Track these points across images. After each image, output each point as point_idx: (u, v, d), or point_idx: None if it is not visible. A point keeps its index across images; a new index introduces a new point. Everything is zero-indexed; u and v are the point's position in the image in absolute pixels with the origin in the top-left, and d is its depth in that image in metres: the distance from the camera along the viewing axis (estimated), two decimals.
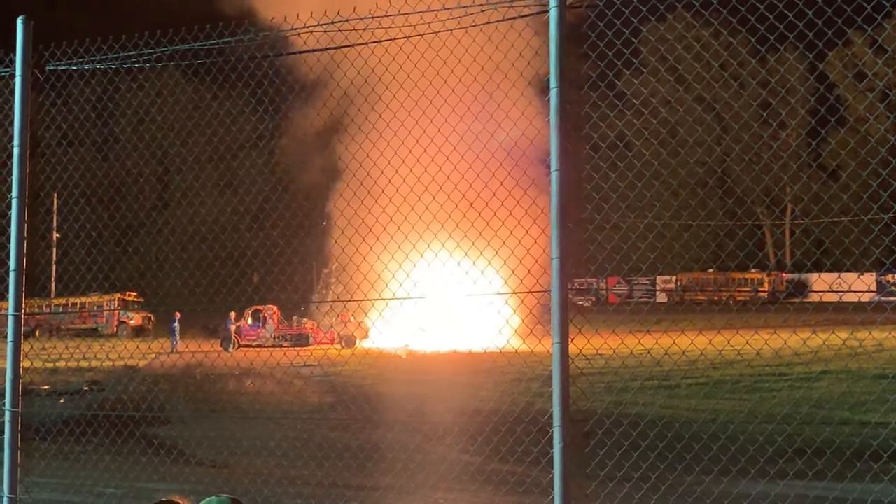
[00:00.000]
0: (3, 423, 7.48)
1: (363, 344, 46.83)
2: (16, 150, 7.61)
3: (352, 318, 48.05)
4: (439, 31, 7.16)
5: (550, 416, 5.78)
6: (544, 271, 6.19)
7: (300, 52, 8.09)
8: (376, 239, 8.90)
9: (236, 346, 48.00)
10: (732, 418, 19.35)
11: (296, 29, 7.67)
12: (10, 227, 7.64)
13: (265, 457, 16.82)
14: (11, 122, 7.71)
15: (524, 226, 7.59)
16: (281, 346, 46.84)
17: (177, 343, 44.63)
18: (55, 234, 49.84)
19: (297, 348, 42.28)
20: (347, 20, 7.49)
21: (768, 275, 66.52)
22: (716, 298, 65.12)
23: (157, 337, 49.39)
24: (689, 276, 67.12)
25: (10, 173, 7.69)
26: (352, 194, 9.68)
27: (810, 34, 6.90)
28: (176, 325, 46.20)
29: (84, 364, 24.61)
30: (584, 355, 6.76)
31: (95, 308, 58.41)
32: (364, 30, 7.72)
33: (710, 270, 66.13)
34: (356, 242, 9.64)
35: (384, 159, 8.94)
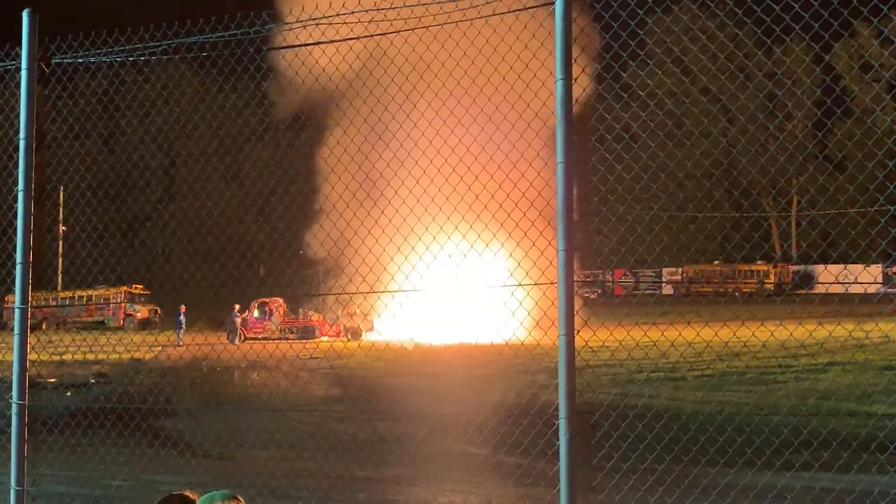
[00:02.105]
0: (11, 415, 7.49)
1: (369, 336, 46.83)
2: (22, 143, 7.61)
3: (357, 311, 48.06)
4: (444, 24, 7.15)
5: (556, 408, 5.78)
6: (550, 263, 6.19)
7: (305, 45, 8.08)
8: (382, 231, 8.90)
9: (242, 338, 48.05)
10: (738, 410, 19.36)
11: (301, 22, 7.67)
12: (16, 220, 7.64)
13: (272, 449, 16.85)
14: (17, 116, 7.71)
15: (530, 218, 7.59)
16: (287, 339, 46.87)
17: (180, 336, 44.73)
18: (61, 227, 49.83)
19: (303, 341, 42.33)
20: (353, 13, 7.48)
21: (774, 266, 66.43)
22: (721, 290, 65.08)
23: (164, 329, 49.51)
24: (695, 268, 67.05)
25: (16, 166, 7.69)
26: (357, 186, 9.68)
27: (816, 25, 6.88)
28: (181, 317, 46.25)
29: (91, 357, 24.66)
30: (590, 347, 6.76)
31: (102, 301, 58.51)
32: (370, 22, 7.71)
33: (716, 262, 66.08)
34: (362, 234, 9.64)
35: (389, 152, 8.94)
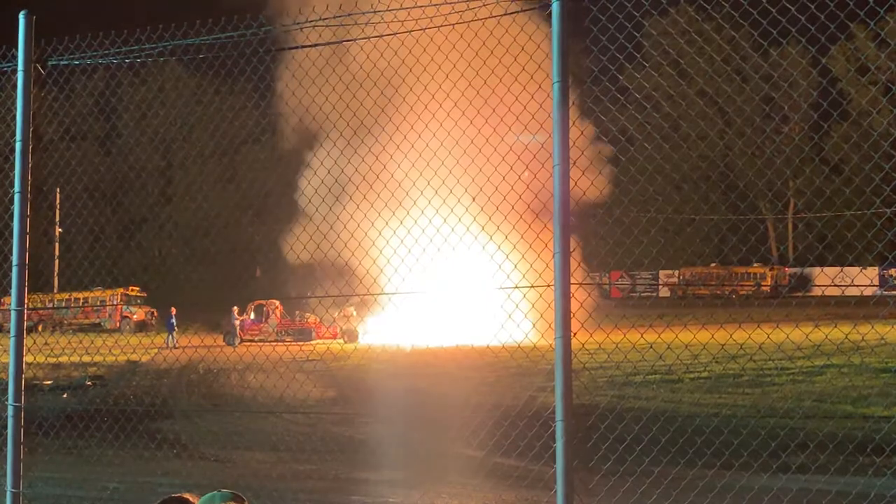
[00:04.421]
0: (6, 418, 7.48)
1: (365, 339, 46.72)
2: (18, 145, 7.60)
3: (353, 313, 48.01)
4: (441, 26, 7.15)
5: (553, 411, 5.78)
6: (546, 265, 6.18)
7: (303, 47, 8.09)
8: (379, 233, 8.90)
9: (240, 340, 47.97)
10: (735, 412, 19.36)
11: (298, 24, 7.67)
12: (12, 222, 7.64)
13: (268, 451, 16.87)
14: (14, 117, 7.71)
15: (526, 220, 7.60)
16: (283, 341, 46.76)
17: (174, 338, 44.75)
18: (58, 230, 49.83)
19: (299, 343, 42.23)
20: (350, 14, 7.48)
21: (771, 269, 66.43)
22: (718, 293, 65.07)
23: (160, 332, 49.50)
24: (692, 271, 67.03)
25: (12, 168, 7.68)
26: (354, 188, 9.68)
27: (813, 28, 6.89)
28: (173, 320, 46.25)
29: (87, 359, 24.63)
30: (587, 350, 6.76)
31: (98, 303, 58.44)
32: (366, 24, 7.71)
33: (713, 265, 66.06)
34: (359, 237, 9.64)
35: (386, 153, 8.94)
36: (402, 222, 8.64)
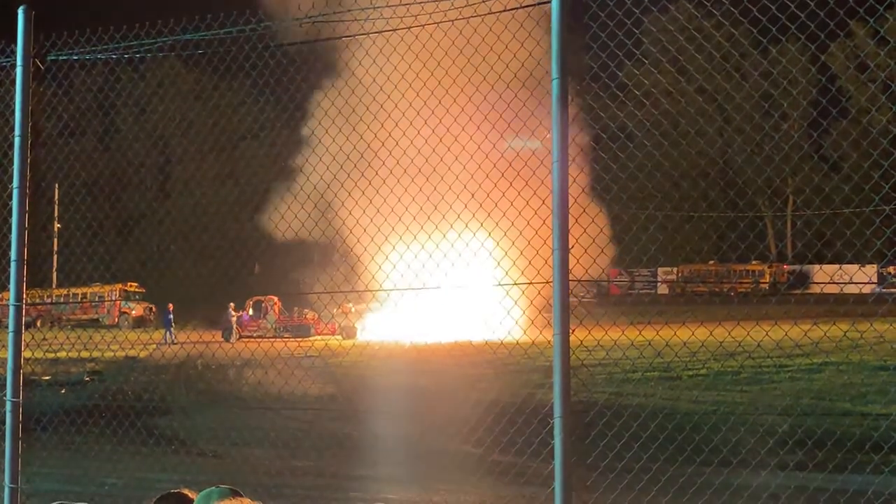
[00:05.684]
0: (5, 413, 7.48)
1: (362, 335, 46.70)
2: (17, 140, 7.60)
3: (352, 309, 48.00)
4: (440, 22, 7.14)
5: (551, 407, 5.78)
6: (545, 262, 6.18)
7: (302, 42, 8.08)
8: (377, 229, 8.89)
9: (237, 336, 47.92)
10: (734, 409, 19.37)
11: (297, 19, 7.66)
12: (11, 217, 7.63)
13: (266, 447, 16.85)
14: (13, 112, 7.70)
15: (525, 217, 7.59)
16: (282, 337, 46.74)
17: (172, 334, 44.73)
18: (56, 225, 49.75)
19: (298, 339, 42.21)
20: (349, 11, 7.48)
21: (770, 266, 66.38)
22: (717, 290, 65.04)
23: (159, 327, 49.50)
24: (691, 268, 67.02)
25: (11, 163, 7.68)
26: (353, 185, 9.67)
27: (812, 25, 6.89)
28: (170, 316, 46.22)
29: (85, 354, 24.61)
30: (585, 346, 6.75)
31: (97, 299, 58.42)
32: (365, 20, 7.70)
33: (712, 262, 66.04)
34: (357, 233, 9.63)
35: (385, 150, 8.93)
36: (400, 218, 8.63)
